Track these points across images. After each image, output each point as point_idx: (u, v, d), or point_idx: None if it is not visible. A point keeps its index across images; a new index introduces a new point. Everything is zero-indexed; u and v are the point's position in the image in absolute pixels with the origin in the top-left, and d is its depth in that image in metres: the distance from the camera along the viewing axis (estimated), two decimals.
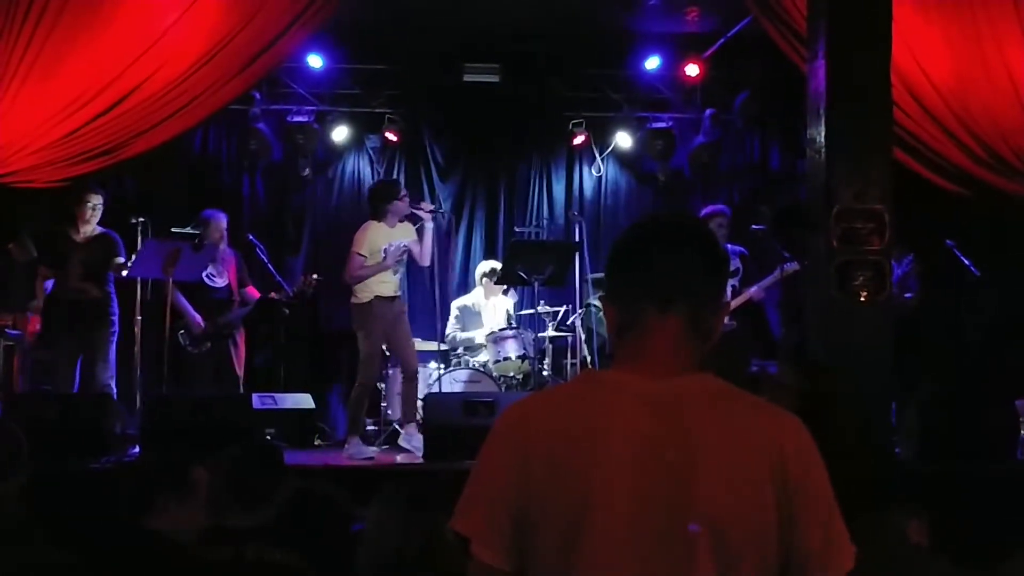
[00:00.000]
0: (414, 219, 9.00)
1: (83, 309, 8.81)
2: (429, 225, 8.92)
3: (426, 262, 9.03)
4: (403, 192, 8.99)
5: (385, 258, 8.67)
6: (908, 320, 8.50)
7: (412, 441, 8.68)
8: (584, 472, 2.00)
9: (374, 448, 8.80)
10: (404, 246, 8.82)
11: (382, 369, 9.48)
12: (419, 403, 8.96)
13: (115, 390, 8.70)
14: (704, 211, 9.57)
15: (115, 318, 8.94)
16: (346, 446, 8.63)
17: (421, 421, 8.71)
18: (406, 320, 9.09)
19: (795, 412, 2.12)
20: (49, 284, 8.94)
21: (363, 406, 8.84)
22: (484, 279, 10.65)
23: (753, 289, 9.09)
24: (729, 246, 9.41)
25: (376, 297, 8.68)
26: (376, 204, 8.95)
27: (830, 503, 2.05)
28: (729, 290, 9.18)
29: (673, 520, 1.96)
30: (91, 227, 8.93)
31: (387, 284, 8.74)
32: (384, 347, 9.22)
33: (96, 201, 8.87)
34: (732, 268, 9.28)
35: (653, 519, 1.96)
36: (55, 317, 8.83)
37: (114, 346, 8.87)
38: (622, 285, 2.19)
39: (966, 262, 8.96)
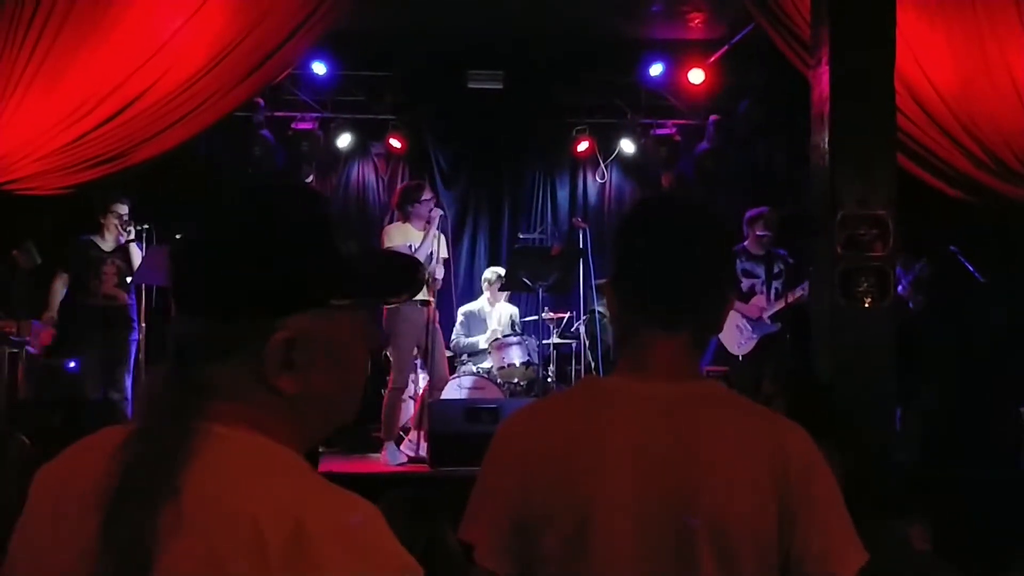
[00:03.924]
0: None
1: (113, 315, 9.15)
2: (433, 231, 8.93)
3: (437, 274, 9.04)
4: (424, 196, 8.97)
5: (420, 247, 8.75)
6: (912, 326, 8.48)
7: (401, 451, 8.74)
8: (586, 478, 2.00)
9: (407, 453, 8.83)
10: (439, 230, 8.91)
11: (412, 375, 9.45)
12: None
13: (130, 391, 8.88)
14: (749, 213, 9.48)
15: (136, 323, 9.22)
16: (383, 451, 8.73)
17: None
18: (438, 327, 9.10)
19: None
20: (61, 292, 9.14)
21: (397, 410, 8.91)
22: (489, 285, 10.65)
23: (797, 292, 9.01)
24: (773, 249, 9.37)
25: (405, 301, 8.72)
26: (400, 205, 9.03)
27: (834, 510, 2.03)
28: (772, 293, 9.17)
29: (676, 525, 1.96)
30: (121, 235, 9.20)
31: None
32: (415, 353, 9.20)
33: (123, 211, 9.09)
34: (775, 271, 9.27)
35: (656, 524, 1.97)
36: (85, 324, 9.11)
37: (135, 350, 9.05)
38: (630, 289, 2.18)
39: (970, 268, 8.94)
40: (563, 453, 2.04)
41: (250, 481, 1.40)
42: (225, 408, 1.47)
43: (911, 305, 8.81)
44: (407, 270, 1.72)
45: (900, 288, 8.62)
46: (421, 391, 9.38)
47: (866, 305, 6.72)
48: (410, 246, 8.70)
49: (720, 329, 2.23)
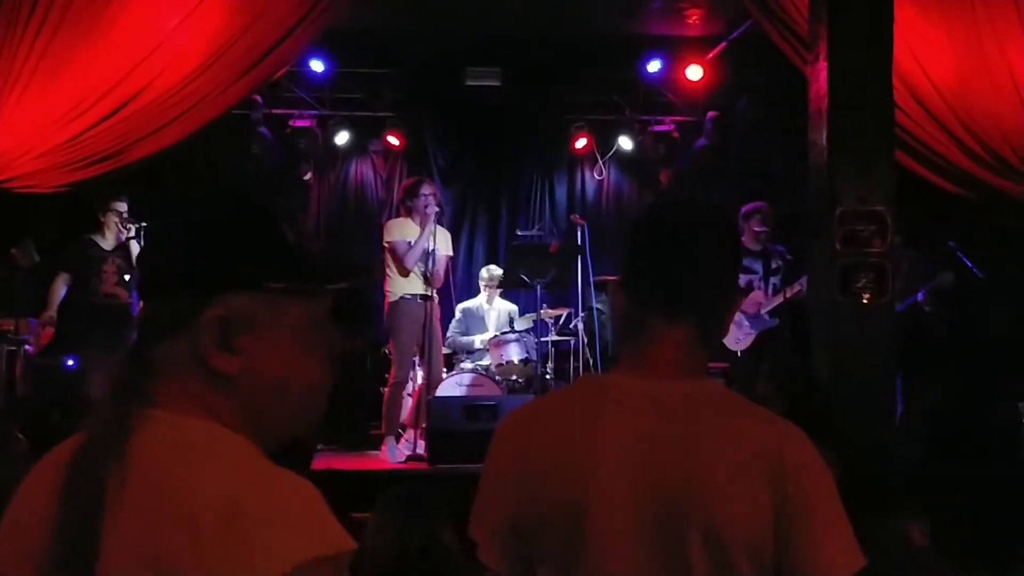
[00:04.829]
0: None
1: (114, 314, 9.15)
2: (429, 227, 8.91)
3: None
4: (422, 191, 8.92)
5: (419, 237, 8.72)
6: (913, 323, 8.48)
7: (400, 448, 8.74)
8: (582, 477, 2.01)
9: (404, 452, 8.83)
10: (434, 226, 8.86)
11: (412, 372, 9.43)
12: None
13: None
14: (745, 209, 9.48)
15: None
16: (383, 447, 8.75)
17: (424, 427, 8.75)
18: (438, 324, 9.07)
19: None
20: (62, 292, 9.16)
21: (397, 406, 8.89)
22: (484, 283, 10.65)
23: (795, 287, 9.01)
24: (770, 245, 9.36)
25: (405, 295, 8.71)
26: (402, 200, 9.04)
27: (831, 514, 2.00)
28: (770, 288, 9.17)
29: (670, 526, 1.95)
30: (121, 233, 9.21)
31: (416, 282, 8.74)
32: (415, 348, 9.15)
33: (122, 208, 9.11)
34: (773, 267, 9.27)
35: (650, 525, 1.96)
36: (86, 322, 9.11)
37: None
38: (634, 283, 2.19)
39: (969, 264, 8.94)
40: (560, 451, 2.05)
41: (188, 461, 1.43)
42: (169, 388, 1.52)
43: (927, 309, 8.77)
44: (349, 265, 1.77)
45: (920, 295, 8.62)
46: (417, 388, 9.34)
47: (865, 301, 6.72)
48: (409, 242, 8.69)
49: (725, 332, 2.24)
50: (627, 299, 2.18)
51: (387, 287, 8.85)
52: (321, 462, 8.23)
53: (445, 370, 9.66)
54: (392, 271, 8.79)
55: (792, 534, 1.95)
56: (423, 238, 8.70)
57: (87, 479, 1.42)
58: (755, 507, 1.95)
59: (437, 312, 9.05)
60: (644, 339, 2.13)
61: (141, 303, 1.61)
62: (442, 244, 8.93)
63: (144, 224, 9.06)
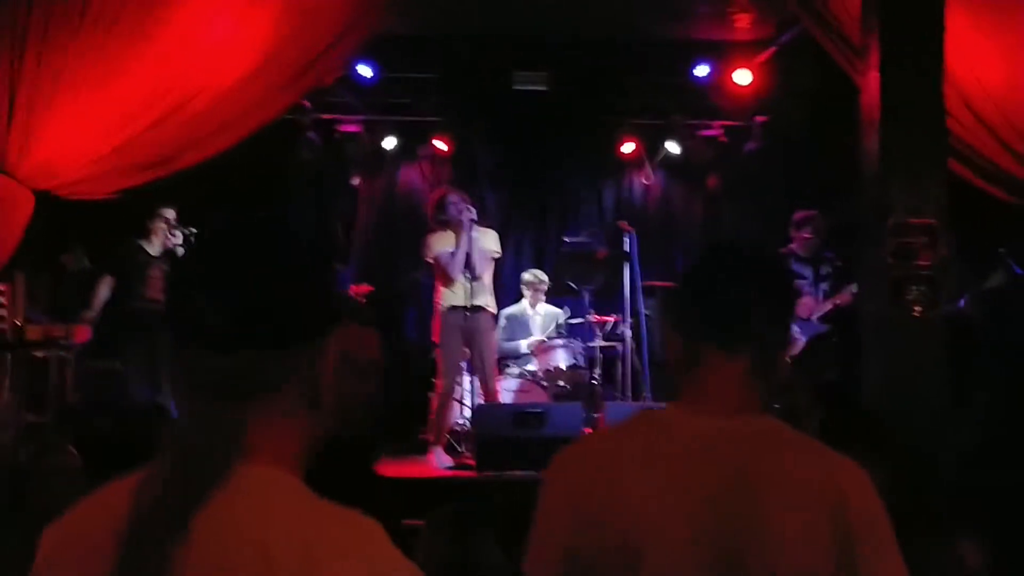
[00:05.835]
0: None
1: (154, 319, 9.15)
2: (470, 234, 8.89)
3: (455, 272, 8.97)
4: (450, 200, 8.95)
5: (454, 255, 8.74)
6: (961, 328, 8.40)
7: (447, 456, 8.79)
8: (639, 514, 2.00)
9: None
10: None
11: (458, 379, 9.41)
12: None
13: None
14: (796, 216, 9.47)
15: None
16: (430, 454, 8.80)
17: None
18: (489, 335, 9.05)
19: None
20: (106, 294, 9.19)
21: (444, 416, 8.91)
22: (527, 288, 10.66)
23: (845, 294, 9.00)
24: (820, 252, 9.36)
25: (450, 307, 8.74)
26: (433, 217, 9.05)
27: (890, 549, 2.01)
28: (820, 294, 9.16)
29: (730, 562, 1.94)
30: (168, 240, 9.23)
31: (459, 293, 8.73)
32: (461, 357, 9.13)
33: (170, 215, 9.14)
34: (822, 273, 9.26)
35: (709, 562, 1.95)
36: (127, 327, 9.16)
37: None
38: (688, 320, 2.19)
39: (1018, 270, 8.84)
40: (615, 489, 2.04)
41: (259, 510, 1.44)
42: (270, 435, 1.53)
43: (970, 313, 8.69)
44: None
45: (961, 301, 8.54)
46: (471, 396, 9.32)
47: (916, 314, 6.66)
48: (451, 252, 8.71)
49: (782, 372, 2.23)
50: (682, 339, 2.18)
51: (436, 299, 8.91)
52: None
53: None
54: (438, 283, 8.85)
55: (856, 571, 1.95)
56: (462, 246, 8.72)
57: (156, 536, 1.41)
58: (816, 544, 1.95)
59: (491, 323, 9.06)
60: (701, 375, 2.13)
61: (198, 354, 1.53)
62: (487, 243, 8.94)
63: (193, 231, 9.10)
